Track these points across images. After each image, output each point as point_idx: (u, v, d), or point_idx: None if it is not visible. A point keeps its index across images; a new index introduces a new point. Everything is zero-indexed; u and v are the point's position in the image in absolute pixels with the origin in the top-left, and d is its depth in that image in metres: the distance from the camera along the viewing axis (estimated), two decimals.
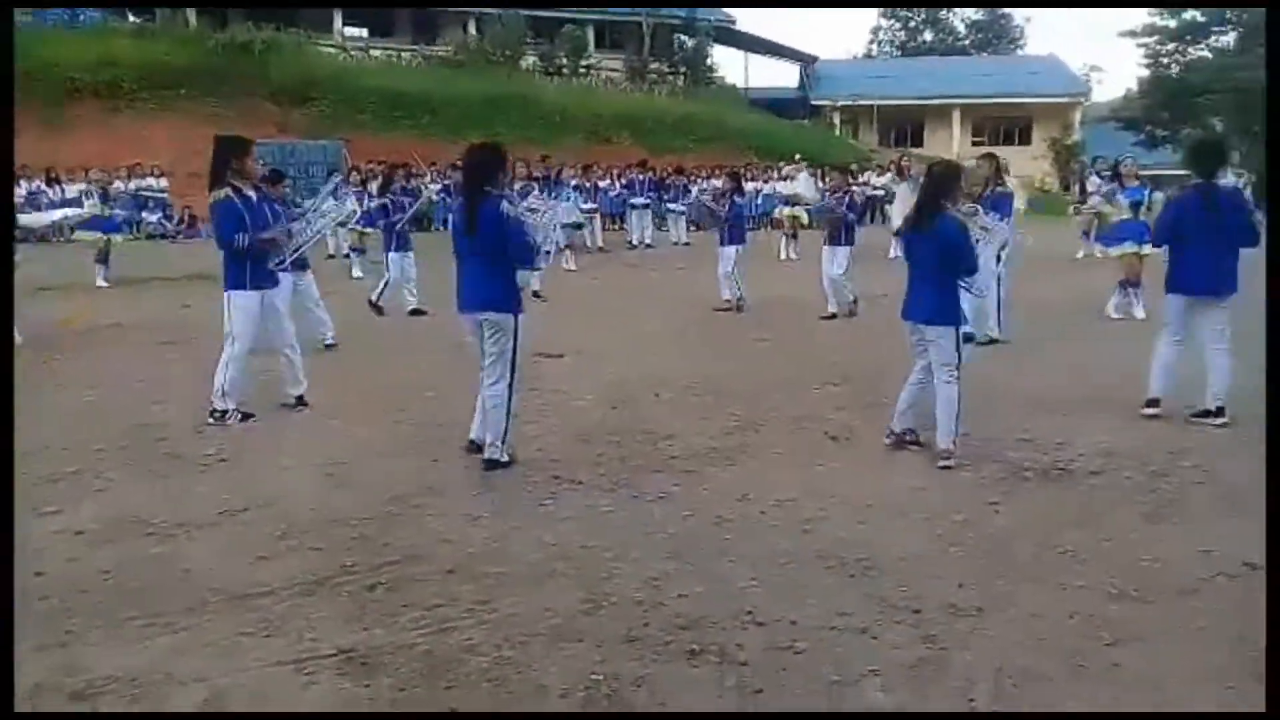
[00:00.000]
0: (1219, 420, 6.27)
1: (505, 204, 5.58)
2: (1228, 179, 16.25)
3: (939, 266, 5.62)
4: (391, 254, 11.62)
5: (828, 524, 4.70)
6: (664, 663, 3.39)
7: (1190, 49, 42.90)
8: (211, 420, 6.46)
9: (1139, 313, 10.50)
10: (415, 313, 11.35)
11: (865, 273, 11.73)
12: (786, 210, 19.17)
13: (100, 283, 14.13)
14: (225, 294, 6.54)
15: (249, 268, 6.49)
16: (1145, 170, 12.08)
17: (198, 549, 4.44)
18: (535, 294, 11.69)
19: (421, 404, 7.07)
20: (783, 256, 18.21)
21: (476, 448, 5.74)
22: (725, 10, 42.64)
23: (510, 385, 5.59)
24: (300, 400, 6.98)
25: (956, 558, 4.31)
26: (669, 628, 3.64)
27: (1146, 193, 10.92)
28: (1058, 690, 3.21)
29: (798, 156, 28.41)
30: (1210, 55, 42.34)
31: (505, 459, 5.58)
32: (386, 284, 11.59)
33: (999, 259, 8.62)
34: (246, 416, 6.58)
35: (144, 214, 21.54)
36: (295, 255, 7.13)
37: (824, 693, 3.21)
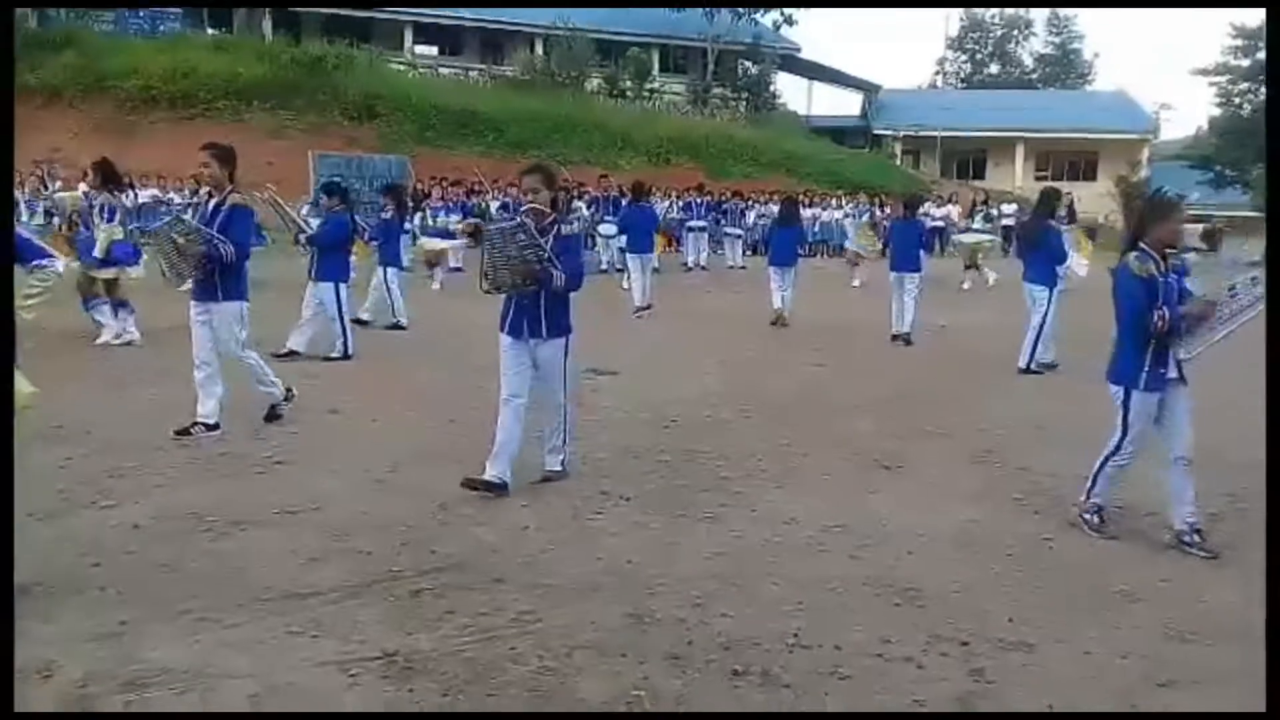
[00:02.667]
0: None
1: (563, 225, 5.55)
2: None
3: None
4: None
5: (876, 552, 4.65)
6: (705, 681, 3.38)
7: (1263, 89, 42.09)
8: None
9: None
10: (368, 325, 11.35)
11: (928, 303, 11.71)
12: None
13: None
14: (228, 305, 6.42)
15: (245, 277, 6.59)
16: (1212, 208, 11.86)
17: (252, 547, 4.52)
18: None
19: (470, 413, 7.11)
20: (856, 283, 18.19)
21: (499, 486, 5.31)
22: (790, 38, 42.63)
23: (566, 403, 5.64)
24: (274, 410, 6.80)
25: (1007, 591, 4.24)
26: (712, 646, 3.63)
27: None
28: None
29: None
30: None
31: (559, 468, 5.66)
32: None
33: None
34: (211, 429, 6.39)
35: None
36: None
37: None
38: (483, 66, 39.25)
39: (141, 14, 33.36)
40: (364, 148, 26.77)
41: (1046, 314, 9.38)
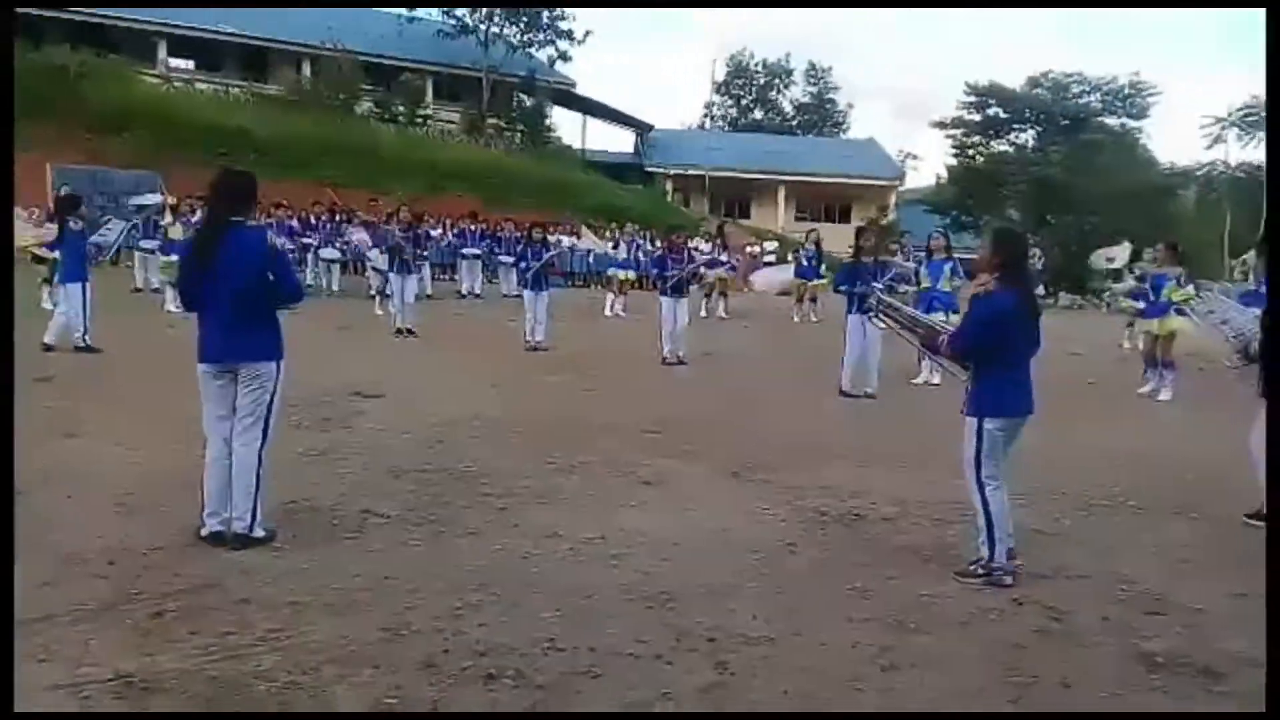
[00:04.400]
0: None
1: (270, 235, 5.31)
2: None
3: None
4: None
5: (633, 559, 4.81)
6: (459, 686, 3.40)
7: (993, 143, 46.49)
8: None
9: (935, 378, 11.20)
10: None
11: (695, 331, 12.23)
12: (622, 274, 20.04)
13: None
14: None
15: None
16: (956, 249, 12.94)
17: None
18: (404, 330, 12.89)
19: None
20: (608, 313, 18.56)
21: (218, 538, 4.69)
22: (564, 73, 43.35)
23: (263, 447, 4.80)
24: None
25: (753, 592, 4.48)
26: (468, 654, 3.65)
27: (950, 266, 11.77)
28: (835, 709, 3.38)
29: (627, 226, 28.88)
30: (1011, 149, 46.00)
31: (262, 534, 4.76)
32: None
33: None
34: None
35: None
36: None
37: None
38: (245, 83, 37.62)
39: None
40: (111, 162, 25.09)
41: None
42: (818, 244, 19.96)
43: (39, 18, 32.85)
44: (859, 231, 11.47)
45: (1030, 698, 3.57)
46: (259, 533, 4.76)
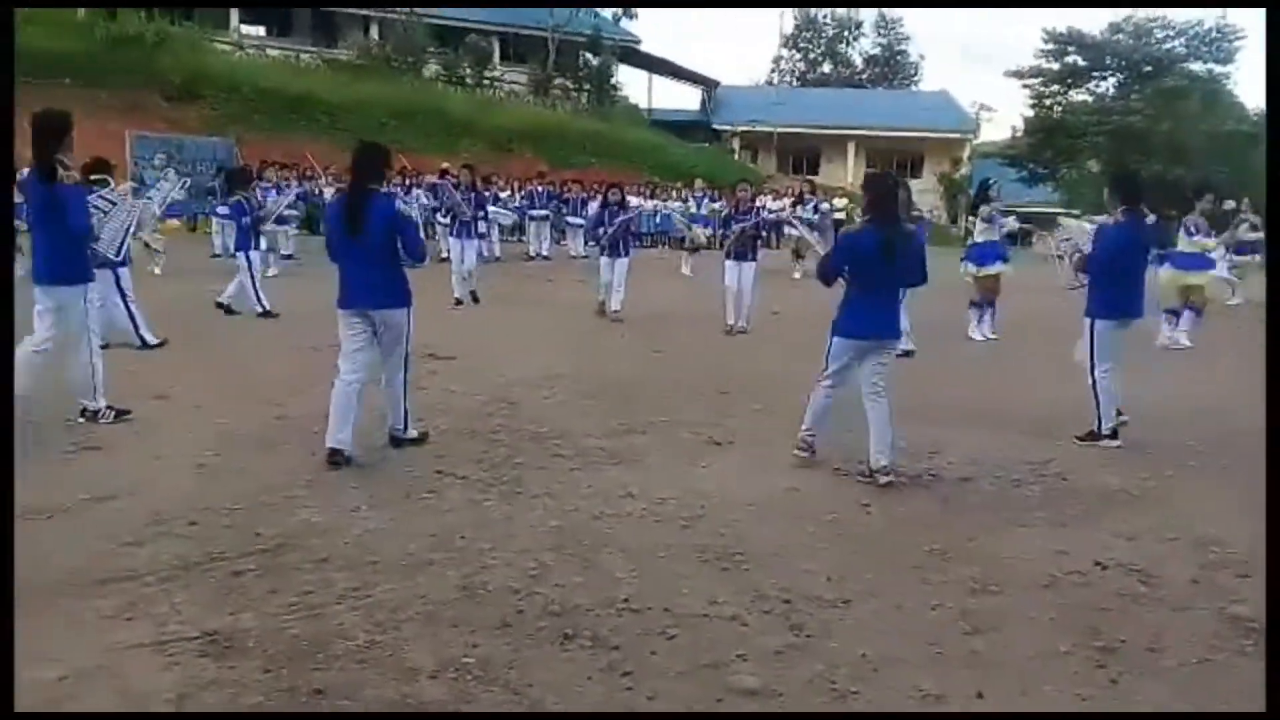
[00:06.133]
0: None
1: (397, 201, 5.62)
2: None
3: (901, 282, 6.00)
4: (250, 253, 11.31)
5: (705, 521, 4.78)
6: (536, 647, 3.41)
7: (1071, 92, 45.06)
8: (83, 419, 6.19)
9: (989, 332, 11.07)
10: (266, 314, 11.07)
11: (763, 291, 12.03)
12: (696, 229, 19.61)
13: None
14: (78, 287, 6.08)
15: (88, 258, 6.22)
16: (1022, 207, 12.68)
17: (61, 534, 4.30)
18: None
19: (295, 400, 6.94)
20: (684, 272, 18.43)
21: (334, 454, 5.42)
22: (631, 30, 43.03)
23: (406, 375, 5.79)
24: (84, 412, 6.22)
25: (827, 553, 4.43)
26: (543, 614, 3.66)
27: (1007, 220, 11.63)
28: (916, 673, 3.33)
29: (698, 182, 28.65)
30: (1090, 99, 44.53)
31: (414, 434, 5.88)
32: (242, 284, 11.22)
33: None
34: (122, 414, 6.24)
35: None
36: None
37: (693, 674, 3.27)
38: (315, 49, 37.96)
39: None
40: (186, 130, 25.58)
41: None
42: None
43: None
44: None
45: (1116, 661, 3.48)
46: (411, 433, 5.88)
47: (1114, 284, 6.45)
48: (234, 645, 3.33)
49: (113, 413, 6.21)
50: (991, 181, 12.44)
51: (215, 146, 23.59)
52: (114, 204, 7.11)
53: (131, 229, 7.42)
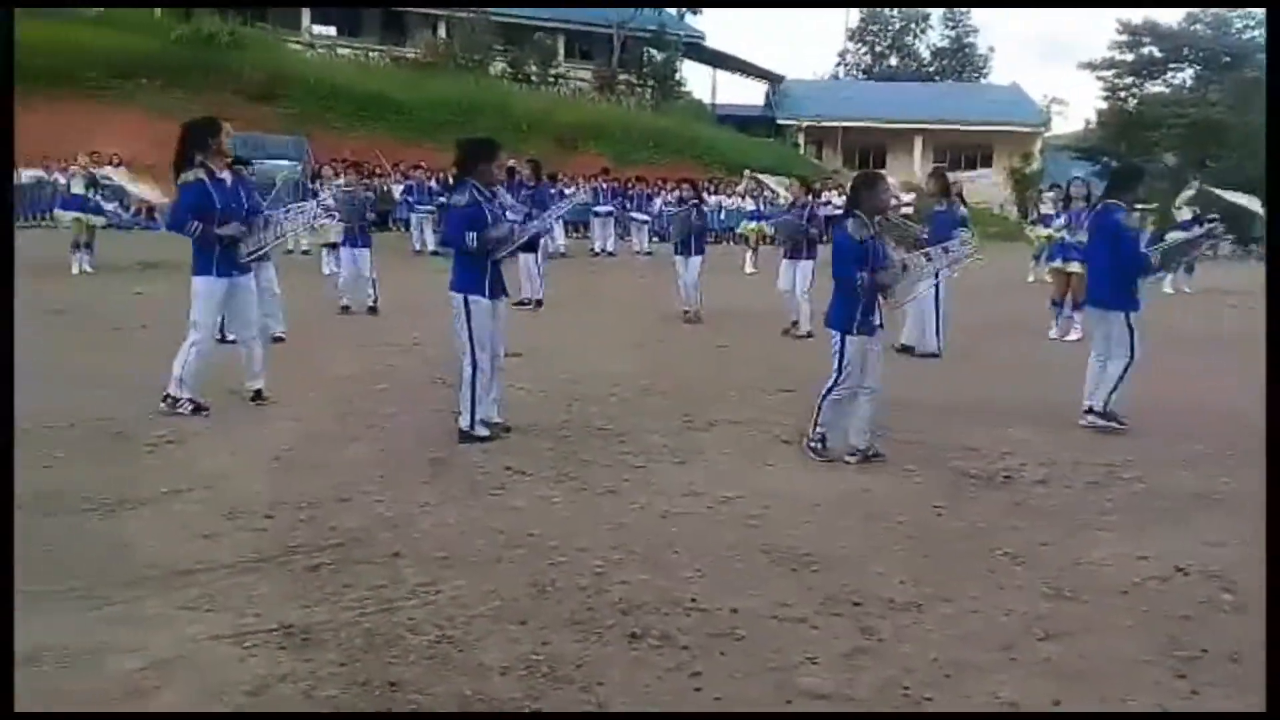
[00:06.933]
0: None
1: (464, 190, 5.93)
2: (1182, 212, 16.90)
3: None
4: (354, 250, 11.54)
5: (773, 520, 4.75)
6: (605, 645, 3.42)
7: (1147, 84, 43.95)
8: (164, 406, 6.34)
9: (1073, 334, 10.68)
10: (371, 310, 11.30)
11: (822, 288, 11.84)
12: (751, 225, 19.44)
13: (86, 268, 14.03)
14: (192, 279, 6.38)
15: (217, 253, 6.34)
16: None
17: (141, 526, 4.41)
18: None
19: (373, 397, 7.05)
20: (747, 270, 18.35)
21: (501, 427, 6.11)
22: (695, 26, 42.95)
23: (466, 363, 5.98)
24: (257, 394, 6.71)
25: (898, 556, 4.37)
26: (612, 612, 3.67)
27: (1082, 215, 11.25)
28: (990, 680, 3.27)
29: (747, 172, 28.44)
30: (1166, 90, 43.39)
31: (483, 432, 5.98)
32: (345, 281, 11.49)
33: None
34: (199, 409, 6.36)
35: (101, 202, 21.28)
36: (260, 250, 6.74)
37: (761, 676, 3.25)
38: (383, 48, 38.51)
39: None
40: (261, 128, 26.05)
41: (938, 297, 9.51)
42: (959, 195, 19.05)
43: None
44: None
45: (1197, 672, 3.37)
46: (479, 430, 5.95)
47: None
48: (310, 638, 3.38)
49: (190, 405, 6.37)
50: (1073, 179, 12.16)
51: (289, 145, 24.01)
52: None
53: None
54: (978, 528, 4.77)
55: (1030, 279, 17.08)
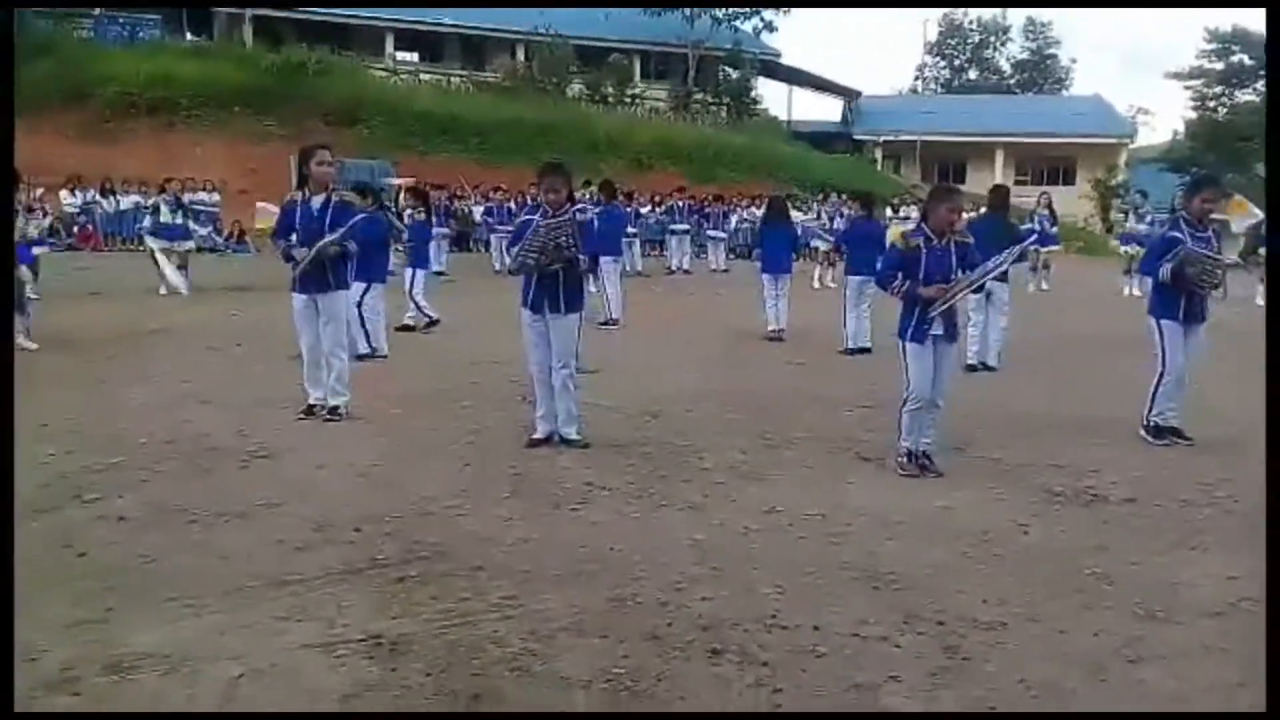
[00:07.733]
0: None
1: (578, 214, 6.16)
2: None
3: None
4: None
5: (854, 538, 4.73)
6: (685, 660, 3.44)
7: (1237, 92, 42.70)
8: (329, 417, 6.86)
9: None
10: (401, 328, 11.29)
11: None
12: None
13: (181, 290, 14.49)
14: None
15: (295, 271, 6.73)
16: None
17: (236, 538, 4.55)
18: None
19: (454, 413, 7.17)
20: (816, 285, 18.24)
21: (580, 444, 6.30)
22: (770, 44, 42.85)
23: (567, 376, 6.37)
24: (333, 411, 6.87)
25: (982, 574, 4.31)
26: (692, 628, 3.68)
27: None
28: (1078, 701, 3.21)
29: (831, 196, 28.17)
30: (1258, 99, 42.07)
31: (575, 437, 6.30)
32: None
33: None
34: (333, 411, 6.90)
35: (194, 226, 22.02)
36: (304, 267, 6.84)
37: (843, 694, 3.23)
38: (464, 73, 39.22)
39: (121, 21, 33.19)
40: (346, 153, 26.70)
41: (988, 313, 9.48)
42: (1049, 207, 18.52)
43: (278, 20, 35.45)
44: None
45: None
46: (573, 436, 6.30)
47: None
48: (397, 649, 3.46)
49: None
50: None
51: (373, 169, 24.58)
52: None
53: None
54: (1064, 546, 4.68)
55: (1125, 292, 16.75)
